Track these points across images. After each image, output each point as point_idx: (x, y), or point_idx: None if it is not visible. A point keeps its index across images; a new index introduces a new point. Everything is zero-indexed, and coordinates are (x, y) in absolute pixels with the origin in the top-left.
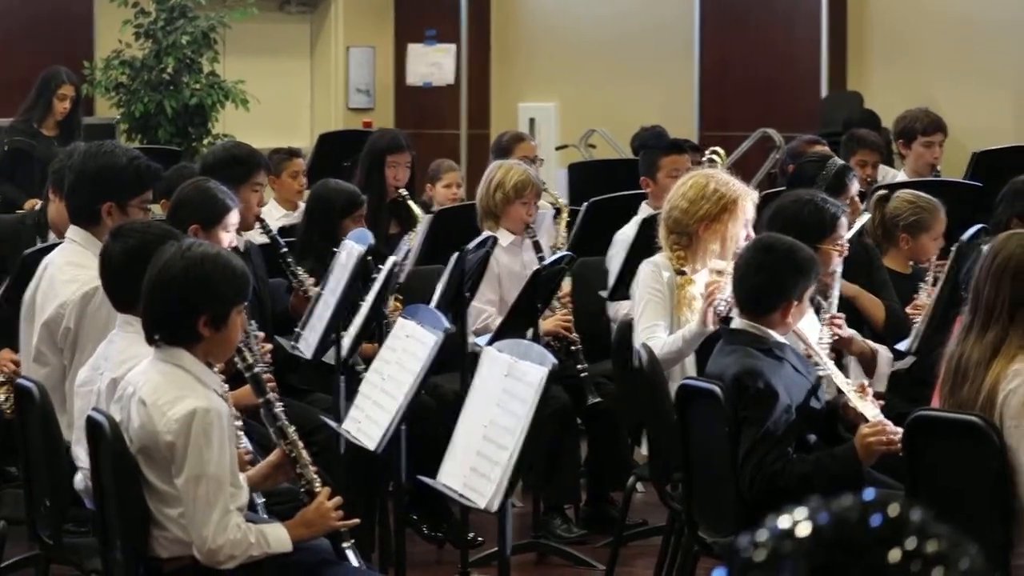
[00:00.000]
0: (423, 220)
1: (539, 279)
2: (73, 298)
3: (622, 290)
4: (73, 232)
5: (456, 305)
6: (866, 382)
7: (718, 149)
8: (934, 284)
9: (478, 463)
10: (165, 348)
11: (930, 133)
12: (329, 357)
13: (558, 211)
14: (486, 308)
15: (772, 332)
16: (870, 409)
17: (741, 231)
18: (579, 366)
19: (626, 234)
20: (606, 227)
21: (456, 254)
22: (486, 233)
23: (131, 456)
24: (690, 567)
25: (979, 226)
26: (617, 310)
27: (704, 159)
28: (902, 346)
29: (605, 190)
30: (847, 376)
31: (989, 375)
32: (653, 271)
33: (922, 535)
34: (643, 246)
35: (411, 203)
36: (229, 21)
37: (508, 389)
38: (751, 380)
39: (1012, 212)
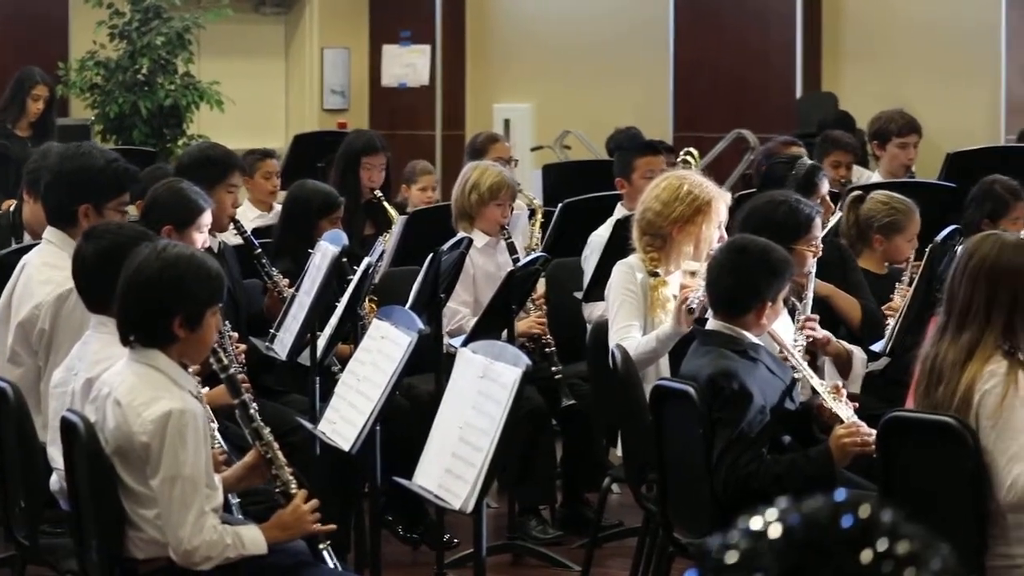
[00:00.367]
0: (398, 221)
1: (514, 280)
2: (48, 299)
3: (597, 291)
4: (50, 233)
5: (431, 306)
6: (840, 383)
7: (692, 150)
8: (909, 285)
9: (453, 464)
10: (140, 349)
11: (905, 134)
12: (304, 358)
13: (533, 212)
14: (460, 309)
15: (746, 333)
16: (844, 410)
17: (714, 233)
18: (553, 368)
19: (601, 235)
20: (581, 228)
21: (431, 255)
22: (461, 234)
23: (106, 457)
24: (665, 568)
25: (953, 227)
26: (592, 311)
27: (678, 160)
28: (876, 347)
29: (580, 191)
30: (821, 377)
31: (964, 376)
32: (626, 272)
33: (893, 536)
34: (618, 247)
35: (386, 204)
36: (204, 22)
37: (483, 390)
38: (725, 381)
39: (981, 213)
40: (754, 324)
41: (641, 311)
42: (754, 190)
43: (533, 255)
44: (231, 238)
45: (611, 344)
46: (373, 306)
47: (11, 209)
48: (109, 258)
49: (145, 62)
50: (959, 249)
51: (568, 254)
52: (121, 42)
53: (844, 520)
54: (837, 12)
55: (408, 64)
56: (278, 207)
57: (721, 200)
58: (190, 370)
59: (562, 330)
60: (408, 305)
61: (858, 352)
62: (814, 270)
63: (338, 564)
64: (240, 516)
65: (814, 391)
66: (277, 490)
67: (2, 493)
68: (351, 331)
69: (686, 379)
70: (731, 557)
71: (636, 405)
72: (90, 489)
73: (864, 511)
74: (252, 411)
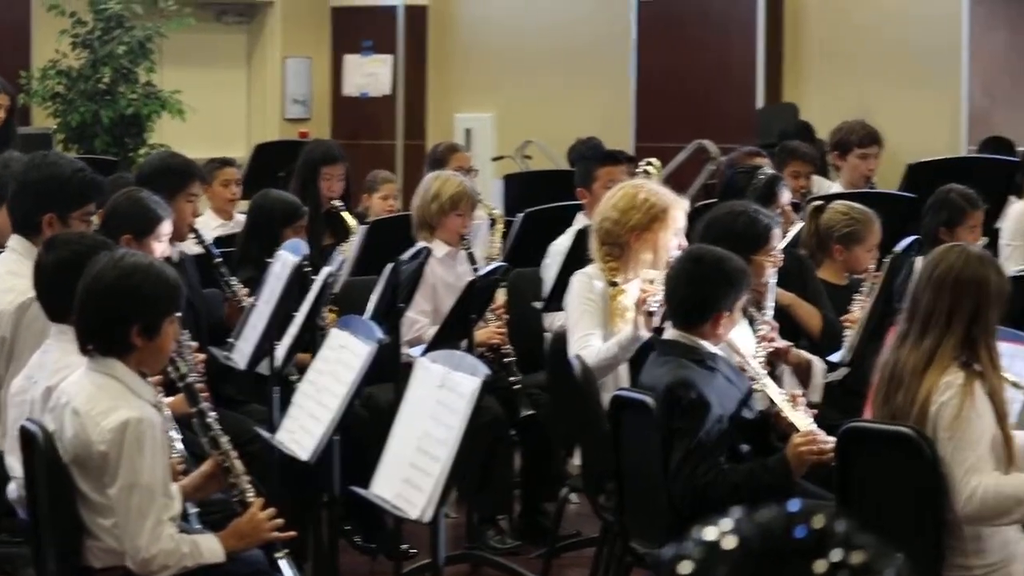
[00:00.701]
0: (358, 231)
1: (474, 289)
2: (9, 308)
3: (557, 301)
4: (14, 242)
5: (390, 316)
6: (799, 392)
7: (653, 160)
8: (869, 296)
9: (411, 474)
10: (98, 358)
11: (866, 145)
12: (264, 368)
13: (493, 221)
14: (419, 319)
15: (704, 343)
16: (802, 419)
17: (672, 240)
18: (512, 378)
19: (561, 245)
20: (542, 238)
21: (390, 265)
22: (420, 244)
23: (64, 466)
24: None
25: (913, 238)
26: (552, 321)
27: (639, 170)
28: (835, 357)
29: (541, 201)
30: (780, 386)
31: (923, 386)
32: (585, 282)
33: (847, 546)
34: (578, 257)
35: (344, 214)
36: (166, 31)
37: (441, 400)
38: (683, 391)
39: (938, 221)
40: (711, 334)
41: (601, 320)
42: (715, 200)
43: (493, 264)
44: (191, 247)
45: (570, 354)
46: (334, 315)
47: None
48: (69, 267)
49: (107, 71)
50: (920, 259)
51: (528, 264)
52: (83, 51)
53: (798, 531)
54: (798, 23)
55: (370, 74)
56: (240, 216)
57: (678, 207)
58: (149, 379)
59: (522, 340)
60: (367, 315)
61: (817, 362)
62: (774, 280)
63: (296, 573)
64: (199, 526)
65: (772, 400)
66: (235, 499)
67: None
68: (311, 341)
69: (645, 389)
70: (685, 567)
71: (594, 415)
72: (48, 498)
73: (818, 521)
74: (209, 420)
